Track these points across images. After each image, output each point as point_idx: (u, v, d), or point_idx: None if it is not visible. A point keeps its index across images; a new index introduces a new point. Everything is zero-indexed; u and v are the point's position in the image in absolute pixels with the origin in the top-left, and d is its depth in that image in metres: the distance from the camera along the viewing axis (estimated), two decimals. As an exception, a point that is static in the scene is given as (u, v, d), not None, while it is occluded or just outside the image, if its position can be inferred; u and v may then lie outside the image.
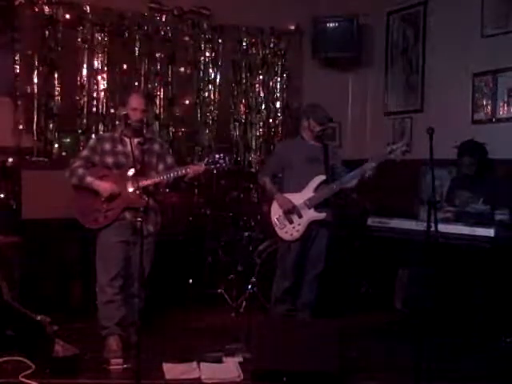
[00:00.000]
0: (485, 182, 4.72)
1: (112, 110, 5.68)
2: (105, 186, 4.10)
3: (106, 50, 5.71)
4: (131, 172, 4.06)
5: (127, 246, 4.11)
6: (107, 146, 4.18)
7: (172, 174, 4.17)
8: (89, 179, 4.11)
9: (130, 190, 4.10)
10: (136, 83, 5.73)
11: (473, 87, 5.41)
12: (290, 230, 4.63)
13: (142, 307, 3.84)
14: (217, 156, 4.22)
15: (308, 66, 6.58)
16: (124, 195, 4.10)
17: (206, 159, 4.26)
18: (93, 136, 5.45)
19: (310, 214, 4.61)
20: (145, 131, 4.32)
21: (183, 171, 4.19)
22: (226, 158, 4.22)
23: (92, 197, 4.12)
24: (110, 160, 4.16)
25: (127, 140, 4.08)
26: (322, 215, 4.61)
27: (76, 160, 4.22)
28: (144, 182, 4.08)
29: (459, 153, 4.78)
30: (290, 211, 4.62)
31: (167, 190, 5.03)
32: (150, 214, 4.14)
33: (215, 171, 4.29)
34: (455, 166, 5.08)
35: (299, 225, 4.61)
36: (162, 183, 4.24)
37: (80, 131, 5.62)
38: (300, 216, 4.61)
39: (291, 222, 4.63)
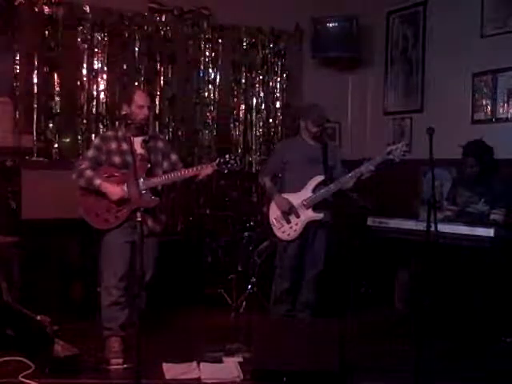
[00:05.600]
0: (487, 183, 4.71)
1: (113, 111, 5.60)
2: (114, 191, 4.01)
3: (106, 49, 5.70)
4: (141, 181, 3.95)
5: (133, 246, 3.98)
6: (113, 146, 4.10)
7: (181, 174, 4.08)
8: (97, 182, 4.02)
9: (140, 190, 3.97)
10: (136, 83, 5.73)
11: (473, 87, 5.41)
12: (287, 230, 4.63)
13: (142, 308, 3.83)
14: (227, 157, 4.13)
15: (308, 66, 6.57)
16: (134, 196, 3.96)
17: (218, 160, 4.14)
18: (93, 136, 5.45)
19: (308, 214, 4.61)
20: (146, 129, 4.23)
21: (193, 172, 4.10)
22: (238, 159, 4.14)
23: (101, 197, 4.04)
24: (116, 160, 4.08)
25: (132, 138, 3.94)
26: (320, 215, 4.61)
27: (83, 161, 4.12)
28: (154, 182, 4.03)
29: (464, 152, 4.74)
30: (288, 211, 4.62)
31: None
32: (156, 213, 4.09)
33: (226, 171, 4.22)
34: (455, 165, 5.08)
35: (297, 225, 4.61)
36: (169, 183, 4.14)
37: (80, 131, 5.61)
38: (298, 216, 4.61)
39: (289, 222, 4.63)
